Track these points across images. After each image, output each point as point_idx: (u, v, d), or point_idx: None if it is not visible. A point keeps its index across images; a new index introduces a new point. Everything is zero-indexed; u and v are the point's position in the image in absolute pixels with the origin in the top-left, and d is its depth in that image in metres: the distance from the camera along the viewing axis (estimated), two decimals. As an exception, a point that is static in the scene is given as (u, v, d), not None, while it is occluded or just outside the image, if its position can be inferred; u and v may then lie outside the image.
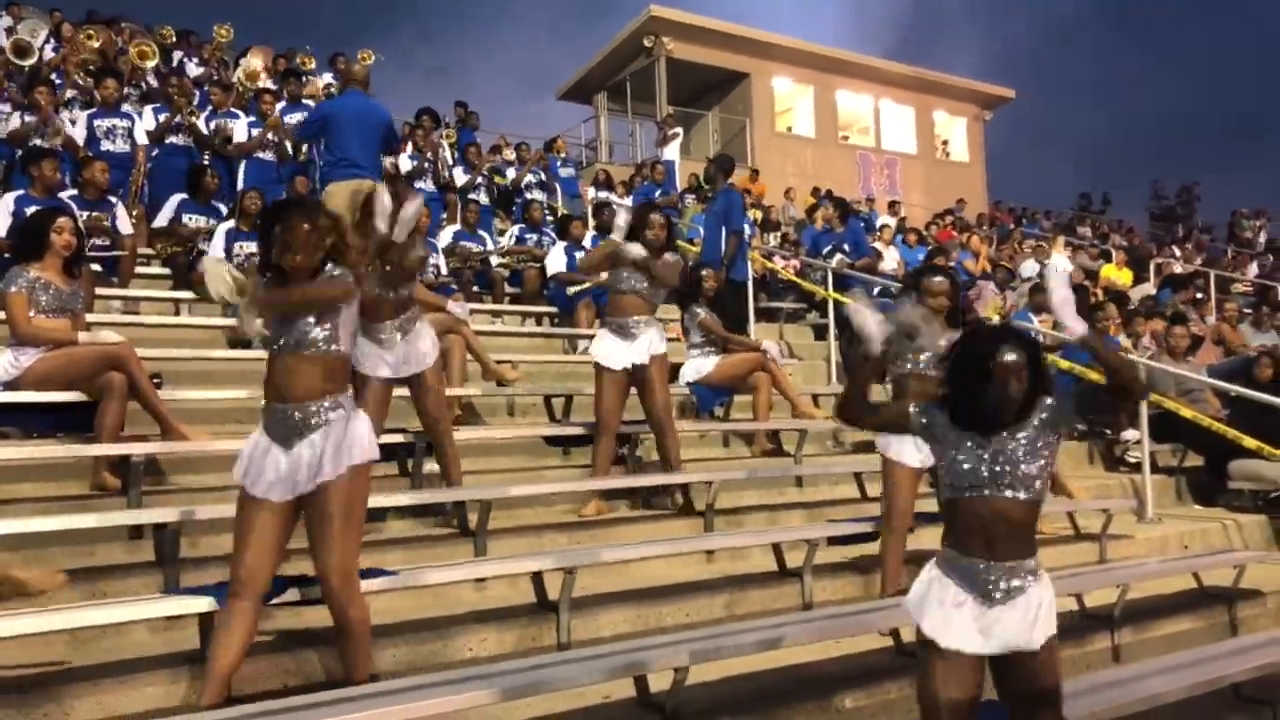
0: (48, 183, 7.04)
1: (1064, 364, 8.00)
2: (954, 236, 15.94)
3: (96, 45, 10.09)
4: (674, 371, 6.72)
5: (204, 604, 3.46)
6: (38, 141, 8.32)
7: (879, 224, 15.05)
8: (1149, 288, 14.54)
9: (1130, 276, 15.37)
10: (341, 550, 3.27)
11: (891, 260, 12.47)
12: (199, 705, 3.18)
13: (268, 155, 9.80)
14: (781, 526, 5.98)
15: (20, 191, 7.12)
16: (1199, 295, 14.19)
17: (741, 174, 14.67)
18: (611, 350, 5.71)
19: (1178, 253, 19.96)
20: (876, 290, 10.11)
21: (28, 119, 8.71)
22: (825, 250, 10.11)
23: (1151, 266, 16.91)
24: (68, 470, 5.04)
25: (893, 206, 18.07)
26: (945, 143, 25.59)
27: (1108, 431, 8.71)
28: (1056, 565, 5.87)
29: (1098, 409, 8.34)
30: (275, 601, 3.55)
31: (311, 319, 3.29)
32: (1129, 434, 8.25)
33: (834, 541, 5.36)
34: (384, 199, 4.56)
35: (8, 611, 3.43)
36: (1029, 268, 14.13)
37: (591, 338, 7.45)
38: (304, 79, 11.73)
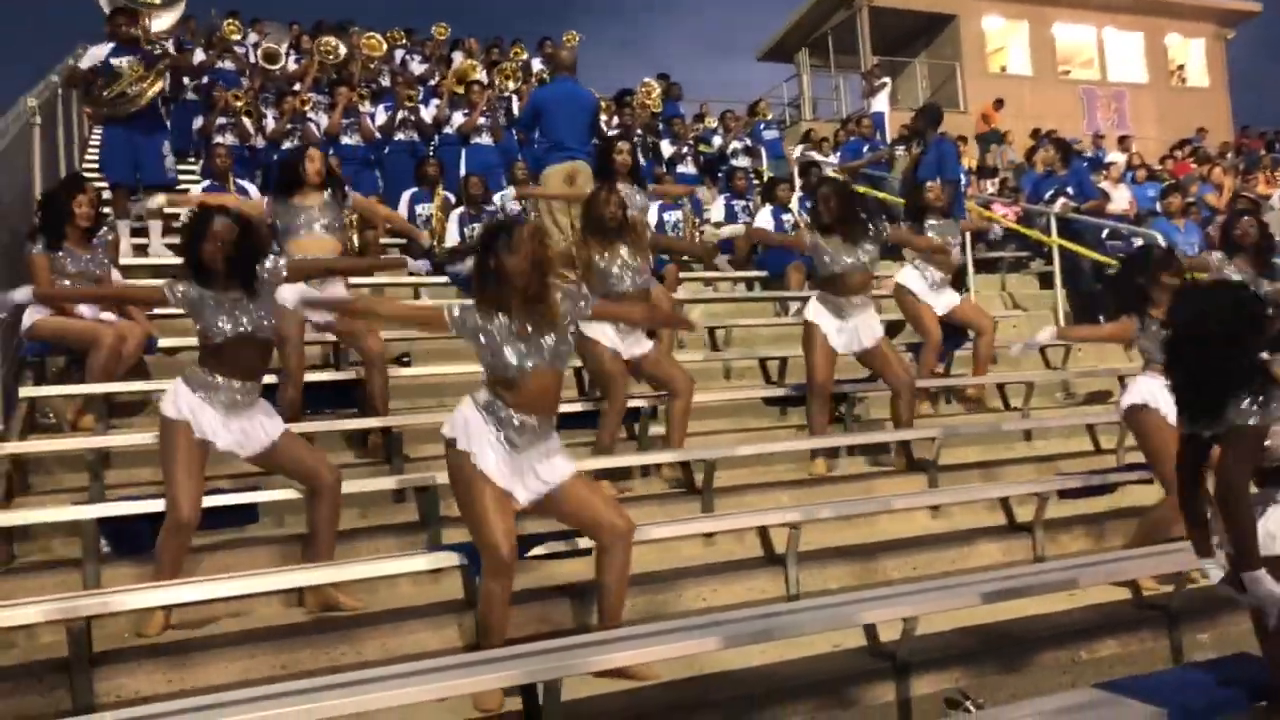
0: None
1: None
2: (1193, 169, 14.76)
3: (334, 59, 10.92)
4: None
5: (458, 558, 3.84)
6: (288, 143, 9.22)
7: (1107, 161, 14.16)
8: None
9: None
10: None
11: (1122, 200, 11.73)
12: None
13: (486, 139, 10.38)
14: (1009, 481, 5.87)
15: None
16: None
17: (985, 104, 13.89)
18: (826, 325, 5.80)
19: None
20: (1105, 233, 9.59)
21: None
22: (1048, 195, 9.66)
23: None
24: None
25: (1122, 142, 16.90)
26: (1180, 68, 23.60)
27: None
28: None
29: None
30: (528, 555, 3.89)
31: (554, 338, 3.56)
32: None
33: (1064, 495, 5.24)
34: None
35: (299, 567, 3.95)
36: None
37: (802, 299, 7.55)
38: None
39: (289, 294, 4.83)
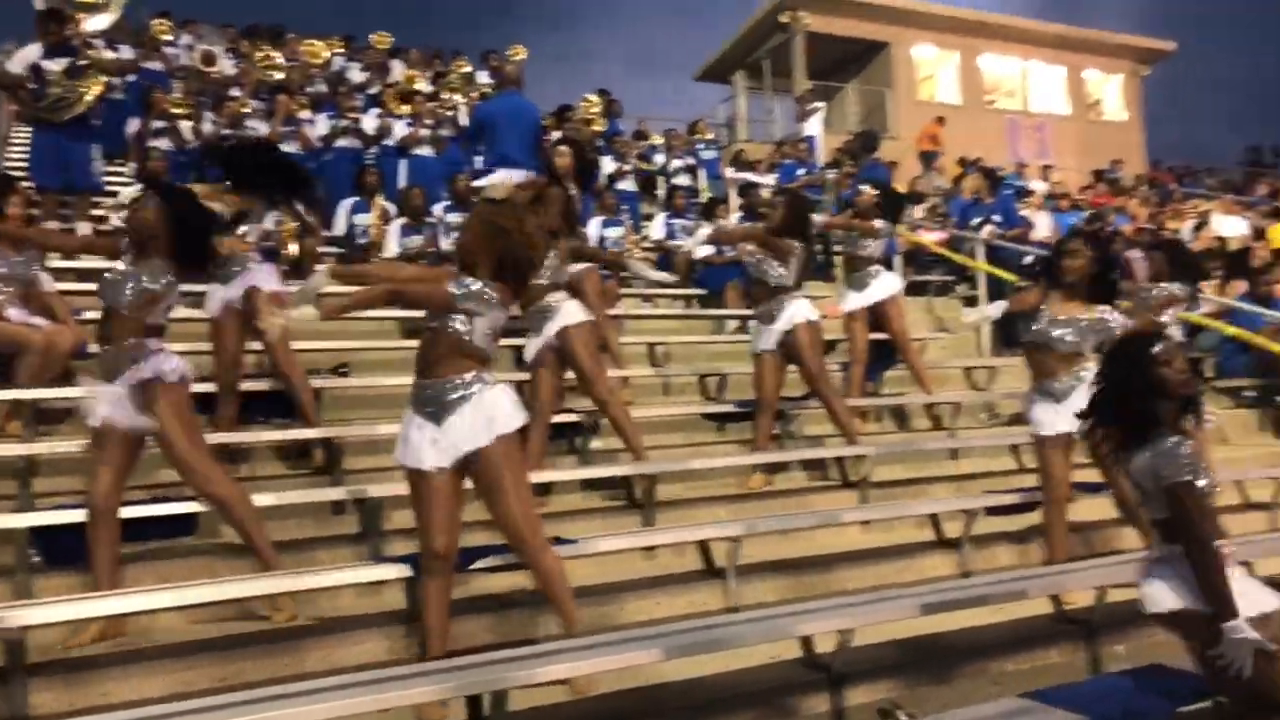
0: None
1: (1230, 330, 7.74)
2: (1110, 201, 15.34)
3: (275, 68, 10.83)
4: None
5: (405, 570, 3.85)
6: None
7: (1028, 188, 14.62)
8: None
9: (1306, 234, 14.45)
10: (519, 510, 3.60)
11: (1044, 227, 12.13)
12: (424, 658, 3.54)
13: (427, 151, 10.36)
14: (937, 498, 6.06)
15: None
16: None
17: (929, 124, 14.19)
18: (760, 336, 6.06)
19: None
20: (1029, 259, 9.93)
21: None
22: (975, 222, 9.99)
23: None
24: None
25: (1045, 171, 17.48)
26: (1099, 102, 24.51)
27: (1278, 398, 8.37)
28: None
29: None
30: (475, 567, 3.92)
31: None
32: (1303, 400, 7.92)
33: (992, 512, 5.43)
34: None
35: (241, 577, 3.93)
36: (1188, 230, 13.50)
37: (739, 318, 7.69)
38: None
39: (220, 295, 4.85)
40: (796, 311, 6.01)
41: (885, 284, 7.34)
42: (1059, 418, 4.76)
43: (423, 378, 3.59)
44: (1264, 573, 4.97)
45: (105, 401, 3.97)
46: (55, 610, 3.47)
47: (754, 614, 3.87)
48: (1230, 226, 13.63)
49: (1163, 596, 3.02)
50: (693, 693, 3.61)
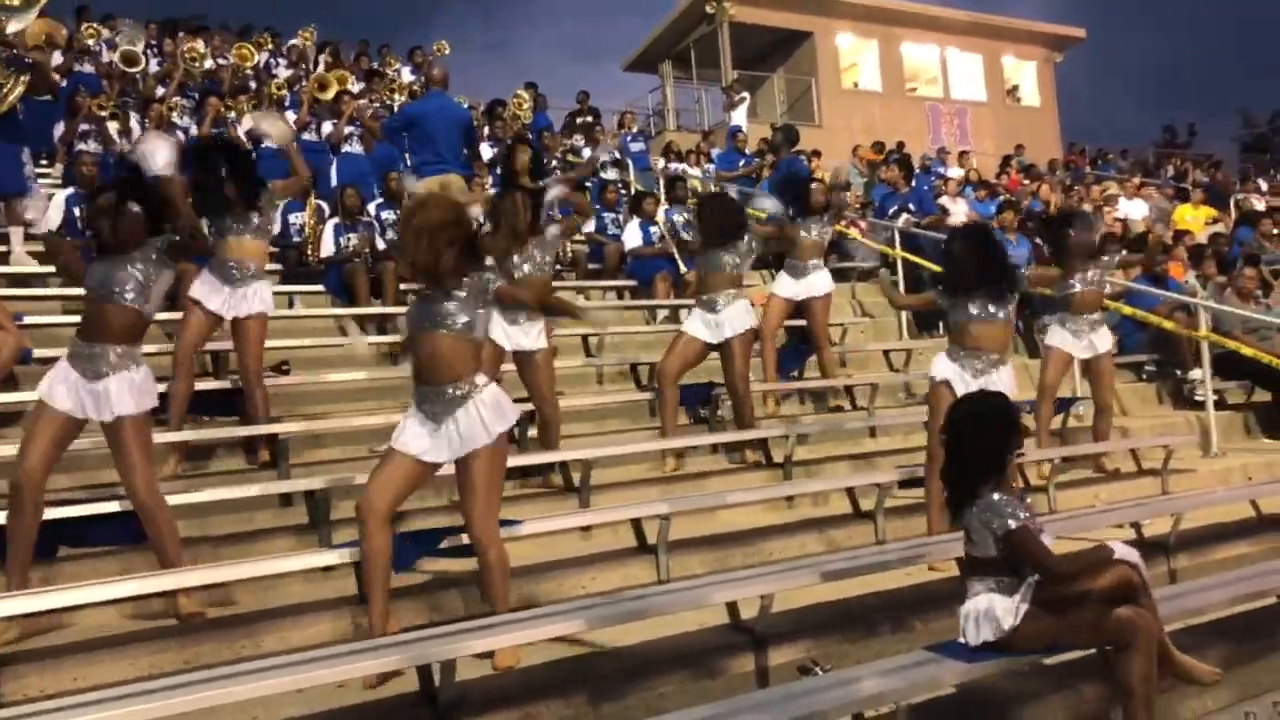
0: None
1: (1127, 310, 8.26)
2: (1023, 185, 15.95)
3: (199, 65, 10.87)
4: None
5: (353, 555, 4.10)
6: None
7: (946, 175, 15.16)
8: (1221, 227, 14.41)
9: (1210, 214, 15.20)
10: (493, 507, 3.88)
11: (960, 214, 12.61)
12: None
13: (357, 148, 10.48)
14: (855, 473, 6.45)
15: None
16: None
17: (865, 149, 14.71)
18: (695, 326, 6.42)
19: (1264, 186, 19.55)
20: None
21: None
22: (891, 211, 10.44)
23: (1232, 203, 16.68)
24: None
25: (962, 158, 18.09)
26: (1015, 88, 25.31)
27: (1177, 372, 8.95)
28: (1117, 499, 6.26)
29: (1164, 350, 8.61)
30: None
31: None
32: (1195, 373, 8.48)
33: (904, 485, 5.82)
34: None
35: (202, 566, 4.15)
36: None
37: (669, 309, 7.99)
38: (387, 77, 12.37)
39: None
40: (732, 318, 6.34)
41: (819, 281, 7.67)
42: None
43: (427, 383, 3.79)
44: (1152, 533, 5.48)
45: (70, 390, 4.12)
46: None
47: (681, 584, 4.19)
48: (1134, 209, 14.33)
49: (985, 630, 3.48)
50: (626, 656, 3.91)
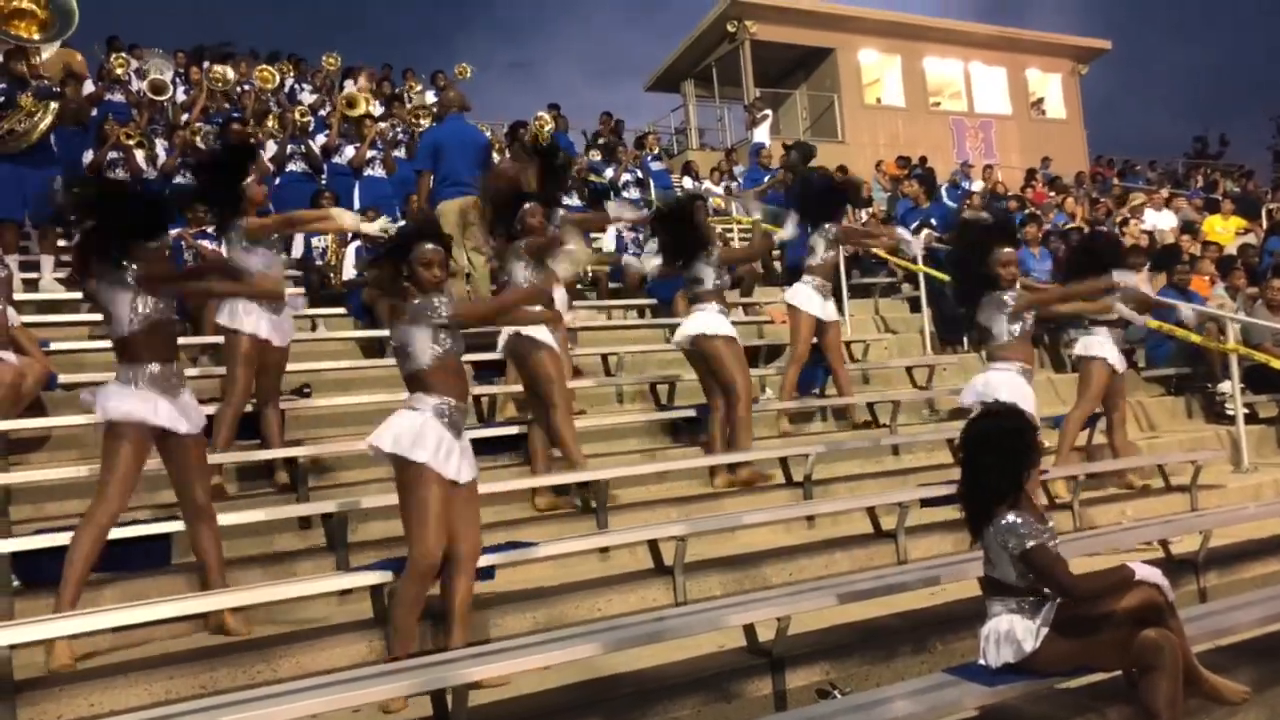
0: None
1: (1153, 323, 8.14)
2: (1049, 198, 15.83)
3: (223, 86, 11.04)
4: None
5: (376, 578, 4.11)
6: None
7: (970, 189, 15.06)
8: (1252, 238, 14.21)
9: (1240, 225, 14.96)
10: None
11: (917, 247, 12.52)
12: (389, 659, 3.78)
13: (379, 172, 10.57)
14: (875, 492, 6.38)
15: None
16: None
17: (889, 164, 14.70)
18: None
19: (1295, 196, 19.25)
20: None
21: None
22: (913, 226, 10.38)
23: (1264, 213, 16.43)
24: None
25: (986, 171, 17.97)
26: (1040, 100, 25.15)
27: (1207, 385, 8.81)
28: (1145, 515, 6.16)
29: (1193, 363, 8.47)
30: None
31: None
32: (1225, 386, 8.34)
33: (926, 504, 5.75)
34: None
35: (223, 591, 4.16)
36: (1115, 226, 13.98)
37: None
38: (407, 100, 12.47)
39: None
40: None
41: (833, 306, 7.67)
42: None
43: (460, 399, 3.92)
44: (1180, 550, 5.38)
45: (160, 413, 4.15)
46: (37, 629, 3.67)
47: (698, 606, 4.16)
48: (1162, 220, 14.16)
49: (1005, 652, 3.46)
50: (644, 680, 3.88)
